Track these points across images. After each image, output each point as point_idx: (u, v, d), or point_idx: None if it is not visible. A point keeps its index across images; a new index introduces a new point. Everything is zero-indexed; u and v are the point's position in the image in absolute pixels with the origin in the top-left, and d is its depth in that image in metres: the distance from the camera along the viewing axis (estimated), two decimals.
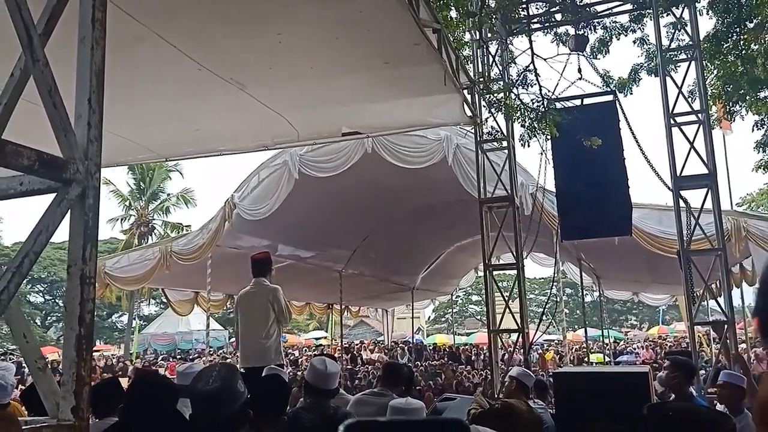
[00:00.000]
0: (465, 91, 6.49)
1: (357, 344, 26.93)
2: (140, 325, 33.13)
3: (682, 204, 7.02)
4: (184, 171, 34.71)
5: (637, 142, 7.14)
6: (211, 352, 19.12)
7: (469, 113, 6.69)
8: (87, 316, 1.32)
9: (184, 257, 11.14)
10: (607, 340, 21.27)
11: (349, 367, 17.81)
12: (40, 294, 39.15)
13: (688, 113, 7.22)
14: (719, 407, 5.23)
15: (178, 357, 23.92)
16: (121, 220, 33.10)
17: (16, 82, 1.39)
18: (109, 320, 41.57)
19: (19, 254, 1.26)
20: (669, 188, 7.03)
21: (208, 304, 13.31)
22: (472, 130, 7.70)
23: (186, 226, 28.89)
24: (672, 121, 7.12)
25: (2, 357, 22.45)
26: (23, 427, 1.11)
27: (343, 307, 17.46)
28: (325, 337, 30.61)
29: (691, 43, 7.38)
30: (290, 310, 6.37)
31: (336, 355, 16.84)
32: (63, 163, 1.32)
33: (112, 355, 28.28)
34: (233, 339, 20.04)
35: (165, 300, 16.57)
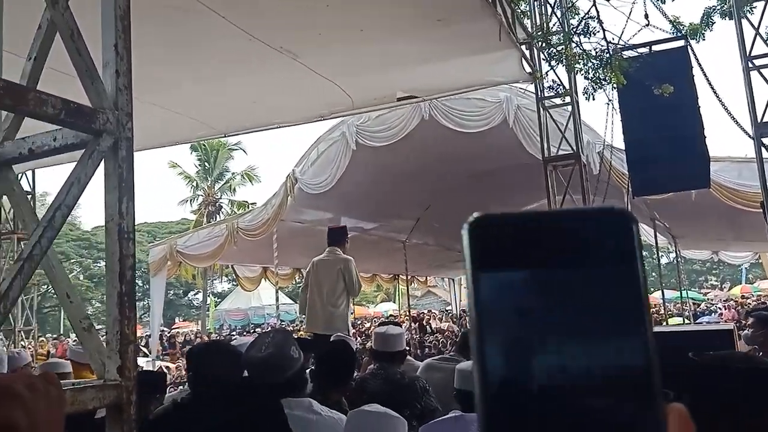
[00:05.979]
0: (523, 47, 6.23)
1: (426, 313, 26.97)
2: (215, 302, 34.30)
3: (765, 153, 6.56)
4: (246, 149, 35.51)
5: (712, 88, 6.67)
6: (284, 326, 19.57)
7: (528, 69, 6.43)
8: (128, 272, 1.29)
9: (250, 233, 11.36)
10: (686, 303, 20.46)
11: (417, 336, 17.87)
12: None
13: (767, 55, 6.70)
14: None
15: (252, 331, 24.66)
16: (190, 201, 34.23)
17: (44, 35, 1.35)
18: (186, 298, 43.22)
19: (51, 207, 1.23)
20: (749, 136, 6.57)
21: (276, 278, 13.57)
22: (532, 90, 7.41)
23: (251, 204, 29.56)
24: (750, 65, 6.62)
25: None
26: (68, 388, 1.09)
27: (409, 277, 17.46)
28: (394, 309, 30.79)
29: None
30: (360, 283, 6.40)
31: (405, 325, 16.91)
32: (91, 112, 1.28)
33: (191, 331, 29.42)
34: None
35: (235, 277, 17.08)
